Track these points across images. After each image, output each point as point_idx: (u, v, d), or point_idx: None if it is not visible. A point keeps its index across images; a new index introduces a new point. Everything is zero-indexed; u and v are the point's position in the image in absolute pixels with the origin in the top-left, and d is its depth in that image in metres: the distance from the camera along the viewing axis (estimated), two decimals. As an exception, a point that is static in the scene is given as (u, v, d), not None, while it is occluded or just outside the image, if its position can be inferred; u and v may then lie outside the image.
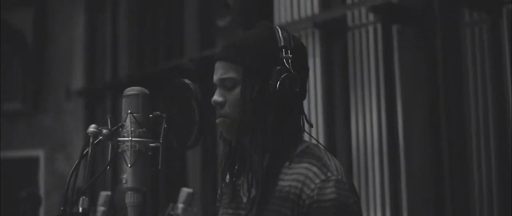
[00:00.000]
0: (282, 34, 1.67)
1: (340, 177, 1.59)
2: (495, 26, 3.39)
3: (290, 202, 1.59)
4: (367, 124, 3.82)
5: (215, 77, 1.69)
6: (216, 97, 1.67)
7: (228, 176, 1.75)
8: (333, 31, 4.11)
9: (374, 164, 3.76)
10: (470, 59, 3.47)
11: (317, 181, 1.58)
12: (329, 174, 1.59)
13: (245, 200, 1.69)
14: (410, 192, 3.66)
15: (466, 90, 3.48)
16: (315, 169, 1.60)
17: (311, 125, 1.72)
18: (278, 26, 1.71)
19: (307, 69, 1.74)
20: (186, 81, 1.61)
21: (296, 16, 4.24)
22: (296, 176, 1.61)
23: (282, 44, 1.65)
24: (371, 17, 3.85)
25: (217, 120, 1.68)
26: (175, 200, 3.18)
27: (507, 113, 3.29)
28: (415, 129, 3.71)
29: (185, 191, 3.19)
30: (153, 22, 5.78)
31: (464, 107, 3.49)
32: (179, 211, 3.13)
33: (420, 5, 3.73)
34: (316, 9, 4.16)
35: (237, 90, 1.65)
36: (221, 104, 1.67)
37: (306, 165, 1.61)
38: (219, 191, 1.86)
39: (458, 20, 3.56)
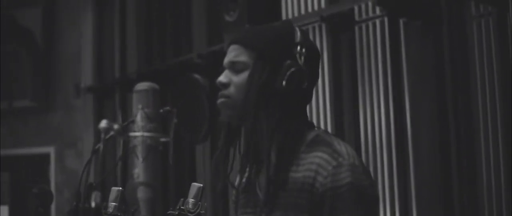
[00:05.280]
0: (300, 33, 1.68)
1: (352, 160, 1.59)
2: (502, 19, 3.39)
3: (305, 192, 1.58)
4: (375, 117, 3.83)
5: (226, 59, 1.68)
6: (221, 78, 1.66)
7: (237, 179, 1.74)
8: (341, 25, 4.12)
9: (383, 158, 3.77)
10: (477, 52, 3.47)
11: (329, 168, 1.57)
12: (340, 159, 1.58)
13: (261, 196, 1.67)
14: (419, 185, 3.67)
15: (473, 83, 3.48)
16: (326, 156, 1.59)
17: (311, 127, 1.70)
18: (299, 28, 1.71)
19: (317, 76, 1.73)
20: (197, 76, 1.62)
21: (303, 11, 4.25)
22: (308, 165, 1.60)
23: (298, 40, 1.66)
24: (378, 10, 3.86)
25: (219, 101, 1.67)
26: (185, 195, 3.20)
27: (515, 105, 3.30)
28: (423, 122, 3.72)
29: (195, 186, 3.18)
30: (161, 18, 5.79)
31: (471, 99, 3.50)
32: (190, 206, 3.14)
33: (427, -2, 3.74)
34: (324, 3, 4.16)
35: (245, 74, 1.64)
36: (225, 86, 1.66)
37: (317, 153, 1.61)
38: (234, 192, 1.85)
39: (465, 13, 3.56)
